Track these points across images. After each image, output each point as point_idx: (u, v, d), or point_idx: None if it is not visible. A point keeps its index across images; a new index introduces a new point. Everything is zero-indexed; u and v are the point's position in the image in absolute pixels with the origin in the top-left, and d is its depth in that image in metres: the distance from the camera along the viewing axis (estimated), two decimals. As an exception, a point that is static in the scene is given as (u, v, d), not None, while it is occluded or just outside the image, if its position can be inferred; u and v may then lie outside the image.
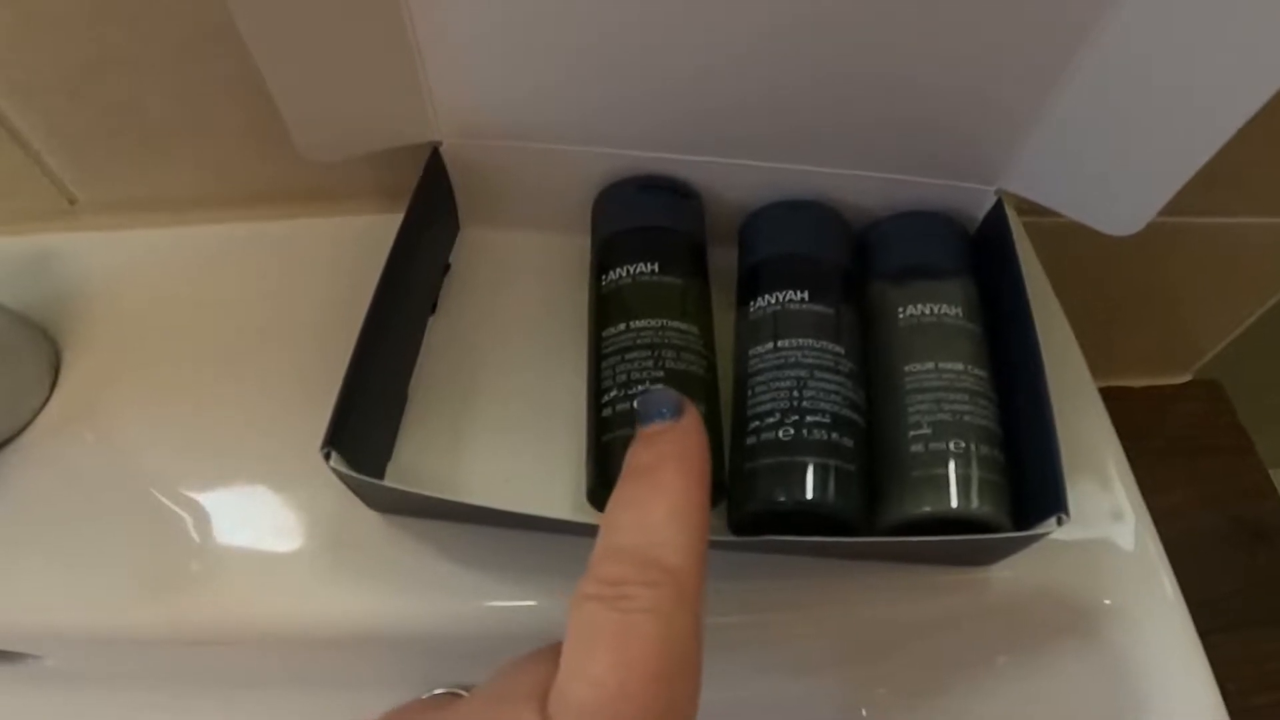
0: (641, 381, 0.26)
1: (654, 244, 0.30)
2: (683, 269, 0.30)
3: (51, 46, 0.30)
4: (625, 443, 0.26)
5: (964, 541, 0.25)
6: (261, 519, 0.30)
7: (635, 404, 0.21)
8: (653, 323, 0.28)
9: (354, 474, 0.25)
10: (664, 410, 0.20)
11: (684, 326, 0.28)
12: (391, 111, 0.30)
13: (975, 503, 0.25)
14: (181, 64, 0.31)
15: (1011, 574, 0.29)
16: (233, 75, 0.31)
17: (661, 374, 0.27)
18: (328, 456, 0.25)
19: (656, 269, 0.29)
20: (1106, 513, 0.32)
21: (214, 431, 0.32)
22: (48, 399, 0.32)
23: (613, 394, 0.27)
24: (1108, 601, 0.30)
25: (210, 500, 0.30)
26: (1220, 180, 0.41)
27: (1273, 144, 0.39)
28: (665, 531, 0.18)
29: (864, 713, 0.35)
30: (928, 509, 0.26)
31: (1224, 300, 0.51)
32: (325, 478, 0.27)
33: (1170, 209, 0.43)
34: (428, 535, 0.29)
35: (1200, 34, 0.23)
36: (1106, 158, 0.27)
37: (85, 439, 0.32)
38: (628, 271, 0.29)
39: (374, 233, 0.30)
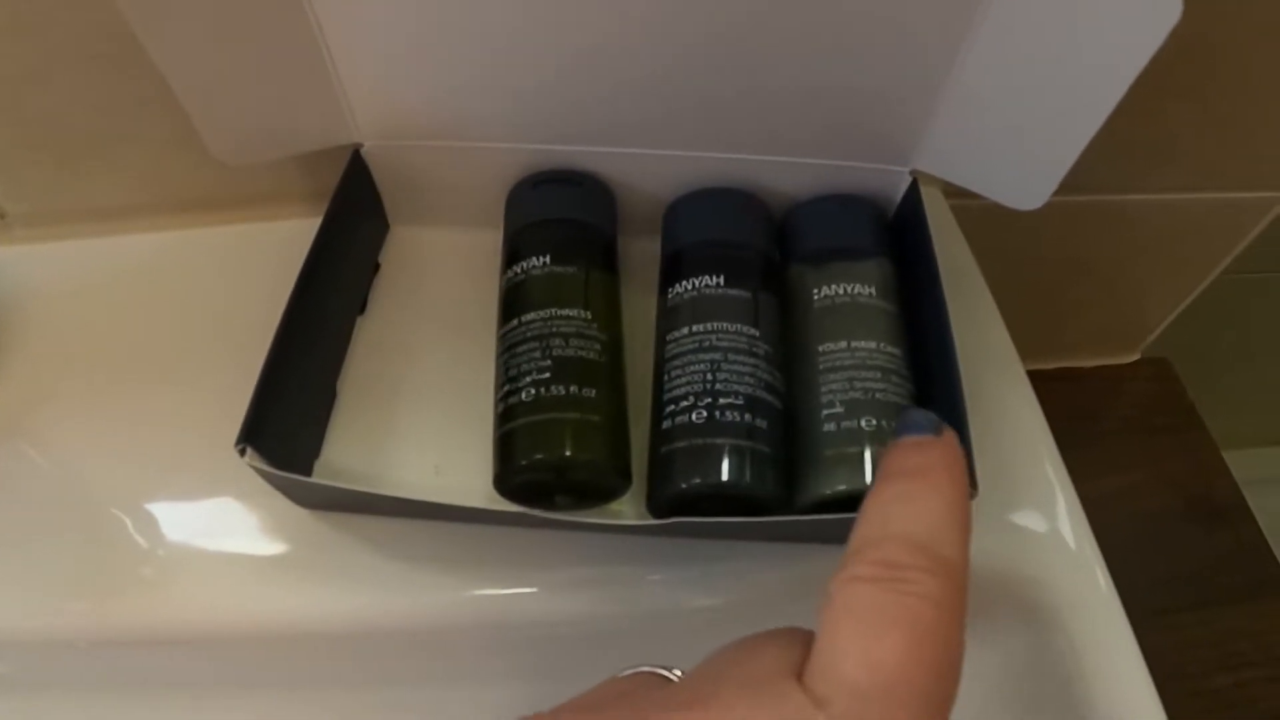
0: (530, 373, 0.27)
1: (547, 237, 0.31)
2: (578, 258, 0.30)
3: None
4: (522, 436, 0.26)
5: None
6: (198, 522, 0.30)
7: (896, 421, 0.21)
8: (541, 314, 0.28)
9: (272, 470, 0.25)
10: (923, 426, 0.20)
11: (575, 313, 0.28)
12: (307, 115, 0.31)
13: (887, 477, 0.26)
14: (99, 76, 0.31)
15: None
16: (152, 85, 0.31)
17: (549, 363, 0.27)
18: (243, 453, 0.25)
19: (548, 260, 0.29)
20: (1032, 491, 0.32)
21: (149, 438, 0.32)
22: (-26, 409, 0.32)
23: (505, 388, 0.27)
24: (1034, 576, 0.30)
25: (147, 505, 0.31)
26: (1152, 157, 0.42)
27: (1202, 122, 0.40)
28: (944, 527, 0.18)
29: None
30: (842, 487, 0.26)
31: (1165, 278, 0.52)
32: (259, 479, 0.27)
33: (1105, 187, 0.44)
34: (357, 530, 0.29)
35: (1075, 14, 0.23)
36: (1007, 135, 0.28)
37: (20, 447, 0.32)
38: (521, 268, 0.30)
39: (303, 237, 0.30)
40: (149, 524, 0.30)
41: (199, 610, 0.29)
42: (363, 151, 0.33)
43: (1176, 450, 0.59)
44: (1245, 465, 0.60)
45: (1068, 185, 0.42)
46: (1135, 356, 0.61)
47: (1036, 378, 0.61)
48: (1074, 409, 0.61)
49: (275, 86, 0.29)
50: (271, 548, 0.29)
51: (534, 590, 0.29)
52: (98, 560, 0.29)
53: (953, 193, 0.40)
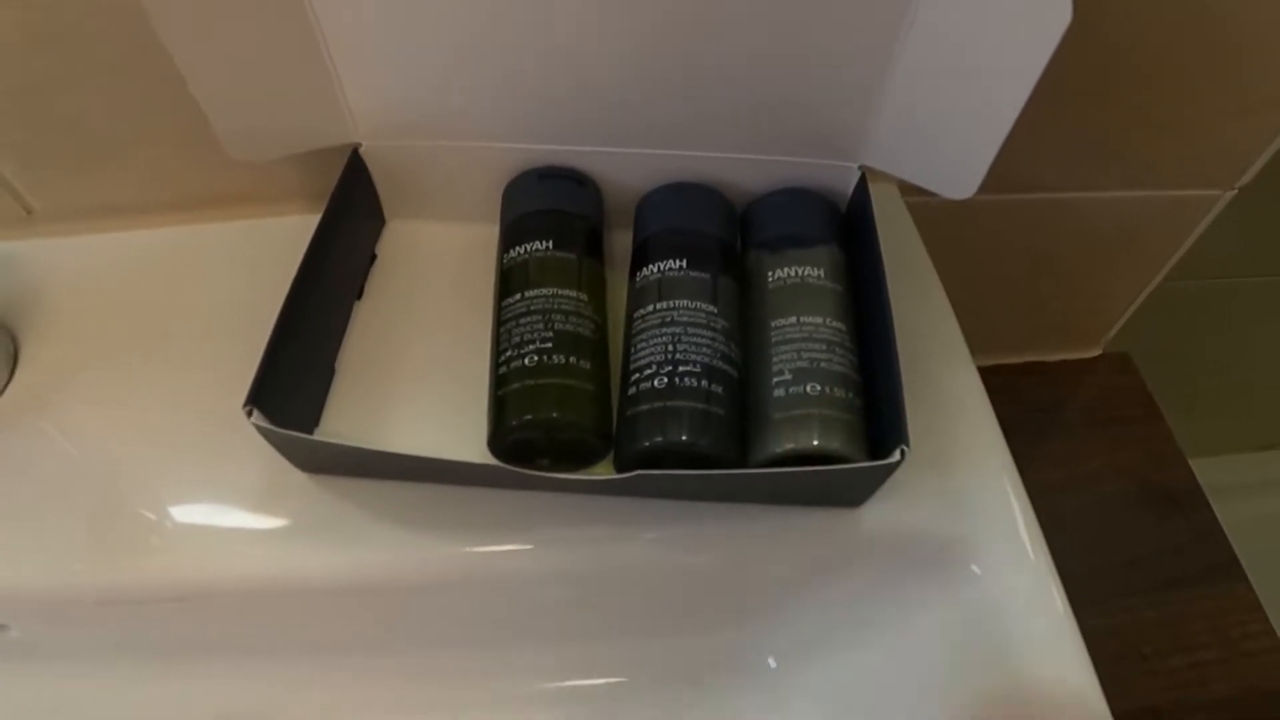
0: (533, 342, 0.30)
1: (549, 225, 0.33)
2: (576, 246, 0.33)
3: (5, 73, 0.33)
4: (517, 396, 0.29)
5: (820, 473, 0.28)
6: (204, 488, 0.33)
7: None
8: (544, 291, 0.31)
9: (275, 429, 0.28)
10: None
11: (573, 294, 0.31)
12: (310, 116, 0.34)
13: (829, 439, 0.29)
14: (116, 81, 0.34)
15: (880, 522, 0.32)
16: (165, 92, 0.34)
17: (551, 334, 0.30)
18: (250, 414, 0.28)
19: (550, 246, 0.33)
20: (973, 462, 0.34)
21: (159, 414, 0.35)
22: (4, 387, 0.35)
23: (507, 354, 0.30)
24: (971, 537, 0.33)
25: (157, 474, 0.33)
26: (1097, 158, 0.45)
27: (1141, 123, 0.43)
28: None
29: (771, 662, 0.38)
30: (790, 445, 0.29)
31: (1119, 273, 0.55)
32: (262, 450, 0.30)
33: (1055, 186, 0.47)
34: (351, 494, 0.32)
35: (984, 23, 0.26)
36: (938, 132, 0.31)
37: (41, 423, 0.35)
38: (525, 249, 0.33)
39: (303, 232, 0.33)
40: (158, 493, 0.33)
41: (203, 569, 0.32)
42: (361, 150, 0.36)
43: (1135, 440, 0.62)
44: (1210, 472, 0.62)
45: (1020, 183, 0.46)
46: (1097, 351, 0.64)
47: (1004, 371, 0.64)
48: (1038, 400, 0.63)
49: (281, 90, 0.32)
50: (271, 510, 0.32)
51: (521, 548, 0.32)
52: (110, 526, 0.32)
53: (910, 190, 0.43)
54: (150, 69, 0.33)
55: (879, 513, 0.32)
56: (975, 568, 0.32)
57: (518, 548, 0.32)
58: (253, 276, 0.38)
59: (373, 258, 0.38)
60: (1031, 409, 0.63)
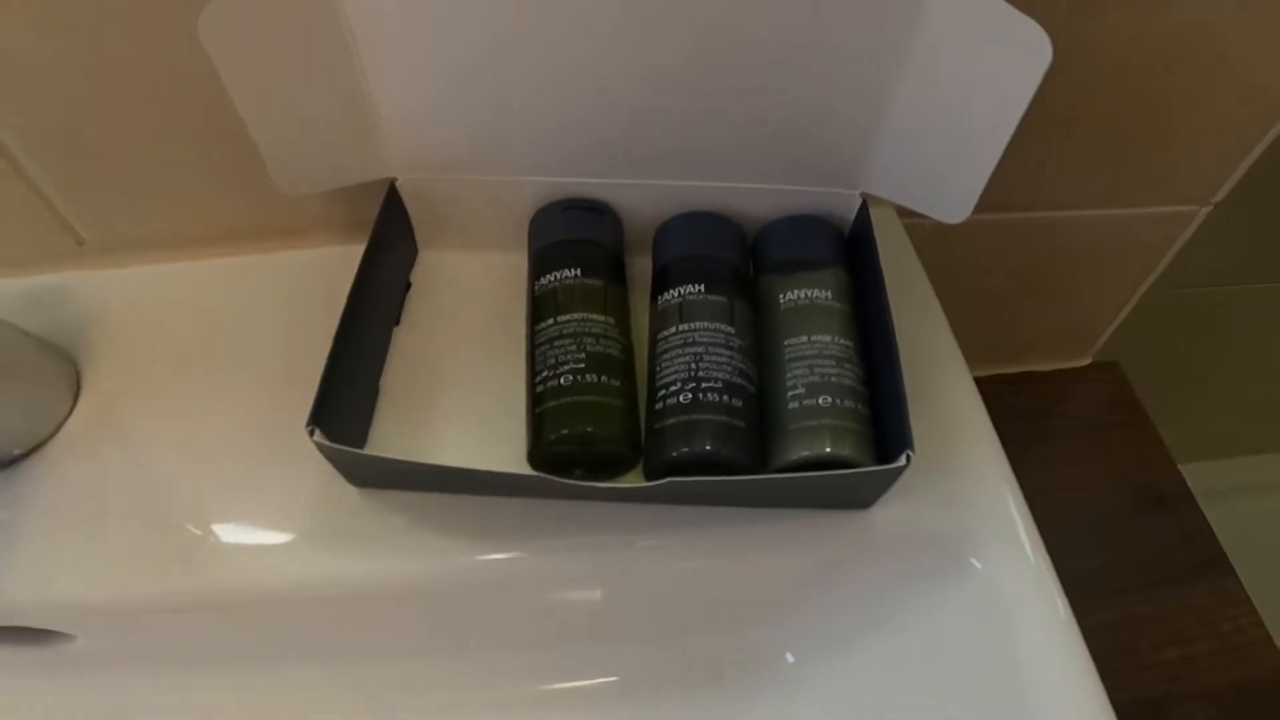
0: (567, 363, 0.32)
1: (577, 253, 0.36)
2: (601, 273, 0.36)
3: (60, 108, 0.36)
4: (555, 413, 0.32)
5: (834, 477, 0.31)
6: (260, 503, 0.35)
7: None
8: (575, 316, 0.34)
9: (335, 445, 0.30)
10: None
11: (601, 318, 0.34)
12: (352, 154, 0.36)
13: (841, 446, 0.31)
14: (168, 120, 0.37)
15: (888, 523, 0.35)
16: (212, 129, 0.37)
17: (583, 355, 0.32)
18: (312, 433, 0.30)
19: (579, 273, 0.35)
20: (971, 464, 0.37)
21: (214, 434, 0.37)
22: (70, 412, 0.37)
23: (544, 374, 0.33)
24: (971, 535, 0.35)
25: (214, 490, 0.36)
26: (1074, 178, 0.48)
27: (1115, 146, 0.46)
28: None
29: (789, 658, 0.41)
30: (804, 453, 0.31)
31: (1104, 286, 0.58)
32: (312, 466, 0.32)
33: (1036, 205, 0.50)
34: (400, 505, 0.35)
35: (975, 63, 0.29)
36: (934, 162, 0.34)
37: (105, 444, 0.37)
38: (555, 277, 0.35)
39: (339, 261, 0.36)
40: (216, 507, 0.35)
41: (260, 575, 0.34)
42: (397, 184, 0.38)
43: (1125, 444, 0.65)
44: (1198, 477, 0.65)
45: (1005, 204, 0.49)
46: (1088, 360, 0.67)
47: (1000, 380, 0.67)
48: (1033, 408, 0.66)
49: (328, 131, 0.35)
50: (325, 522, 0.35)
51: (555, 554, 0.34)
52: (171, 538, 0.34)
53: (906, 214, 0.46)
54: (200, 110, 0.36)
55: (887, 514, 0.35)
56: (976, 562, 0.35)
57: (552, 554, 0.35)
58: (292, 304, 0.41)
59: (408, 285, 0.41)
60: (1026, 416, 0.66)
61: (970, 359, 0.40)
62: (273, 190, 0.36)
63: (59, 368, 0.37)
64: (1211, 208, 0.51)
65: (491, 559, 0.34)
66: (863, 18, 0.30)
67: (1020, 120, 0.29)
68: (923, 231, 0.46)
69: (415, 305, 0.41)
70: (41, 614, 0.35)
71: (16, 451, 0.36)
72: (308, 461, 0.33)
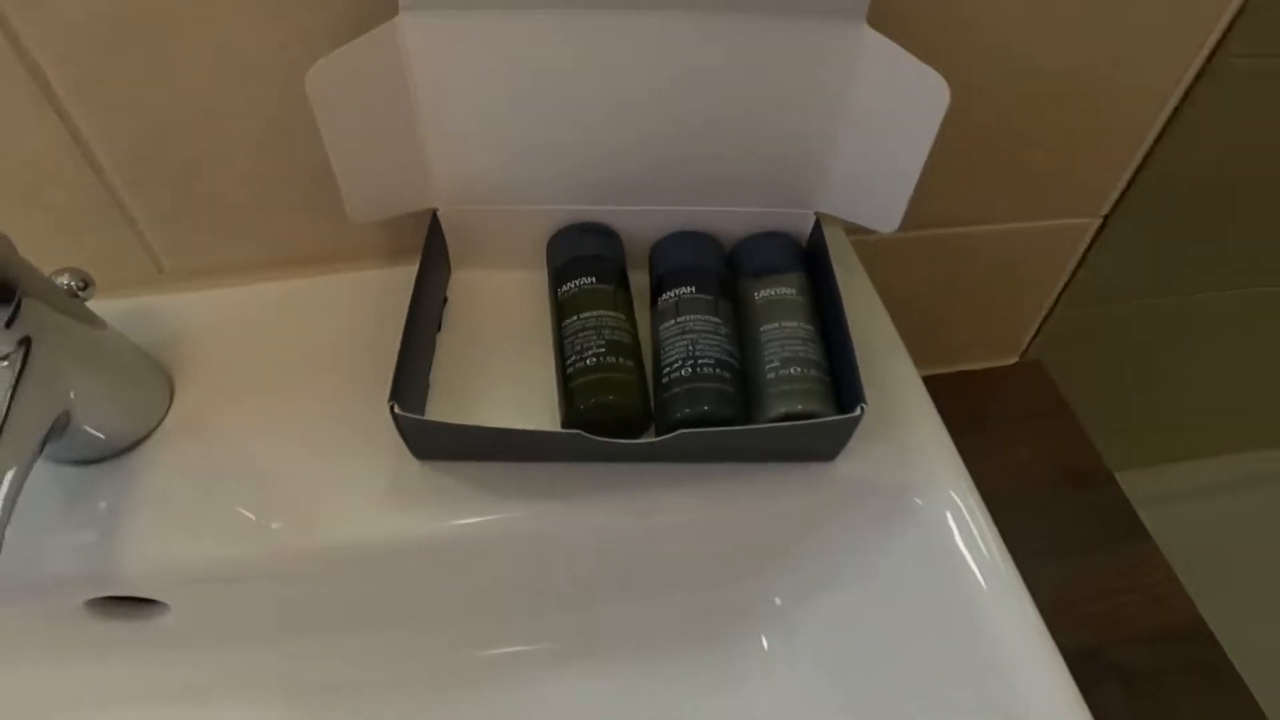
0: (591, 348, 0.41)
1: (590, 266, 0.45)
2: (611, 280, 0.44)
3: (171, 148, 0.43)
4: (585, 386, 0.40)
5: (808, 425, 0.40)
6: (335, 479, 0.42)
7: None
8: (594, 313, 0.42)
9: (413, 416, 0.38)
10: None
11: (614, 314, 0.43)
12: (408, 187, 0.45)
13: (810, 403, 0.40)
14: (255, 160, 0.45)
15: (850, 473, 0.43)
16: (284, 166, 0.45)
17: (604, 343, 0.41)
18: (392, 408, 0.38)
19: (594, 280, 0.44)
20: (910, 425, 0.45)
21: (291, 426, 0.44)
22: (167, 411, 0.45)
23: (572, 359, 0.41)
24: (913, 486, 0.44)
25: (295, 470, 0.43)
26: (988, 197, 0.57)
27: (1016, 169, 0.56)
28: None
29: (778, 601, 0.49)
30: (782, 409, 0.40)
31: (1023, 291, 0.68)
32: (381, 447, 0.40)
33: (953, 221, 0.59)
34: (459, 473, 0.42)
35: (896, 103, 0.39)
36: (870, 185, 0.43)
37: (198, 437, 0.44)
38: (575, 284, 0.44)
39: (385, 280, 0.45)
40: (297, 483, 0.42)
41: (343, 536, 0.41)
42: (439, 214, 0.47)
43: (1052, 431, 0.75)
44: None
45: (926, 222, 0.59)
46: (1015, 359, 0.77)
47: (940, 379, 0.77)
48: (970, 402, 0.76)
49: (389, 168, 0.43)
50: (396, 490, 0.42)
51: (578, 509, 0.42)
52: (259, 510, 0.41)
53: (852, 231, 0.56)
54: (281, 150, 0.44)
55: (849, 466, 0.43)
56: (919, 500, 0.43)
57: (577, 509, 0.42)
58: (346, 318, 0.49)
59: (445, 299, 0.49)
60: (962, 409, 0.75)
61: (912, 360, 0.49)
62: (334, 221, 0.45)
63: (157, 373, 0.45)
64: (1101, 220, 0.61)
65: (531, 512, 0.42)
66: (812, 78, 0.40)
67: (930, 147, 0.39)
68: (865, 248, 0.55)
69: (453, 315, 0.49)
70: (144, 583, 0.41)
71: (122, 445, 0.43)
72: (380, 444, 0.41)
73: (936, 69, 0.37)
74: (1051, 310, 0.71)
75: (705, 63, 0.40)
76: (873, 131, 0.41)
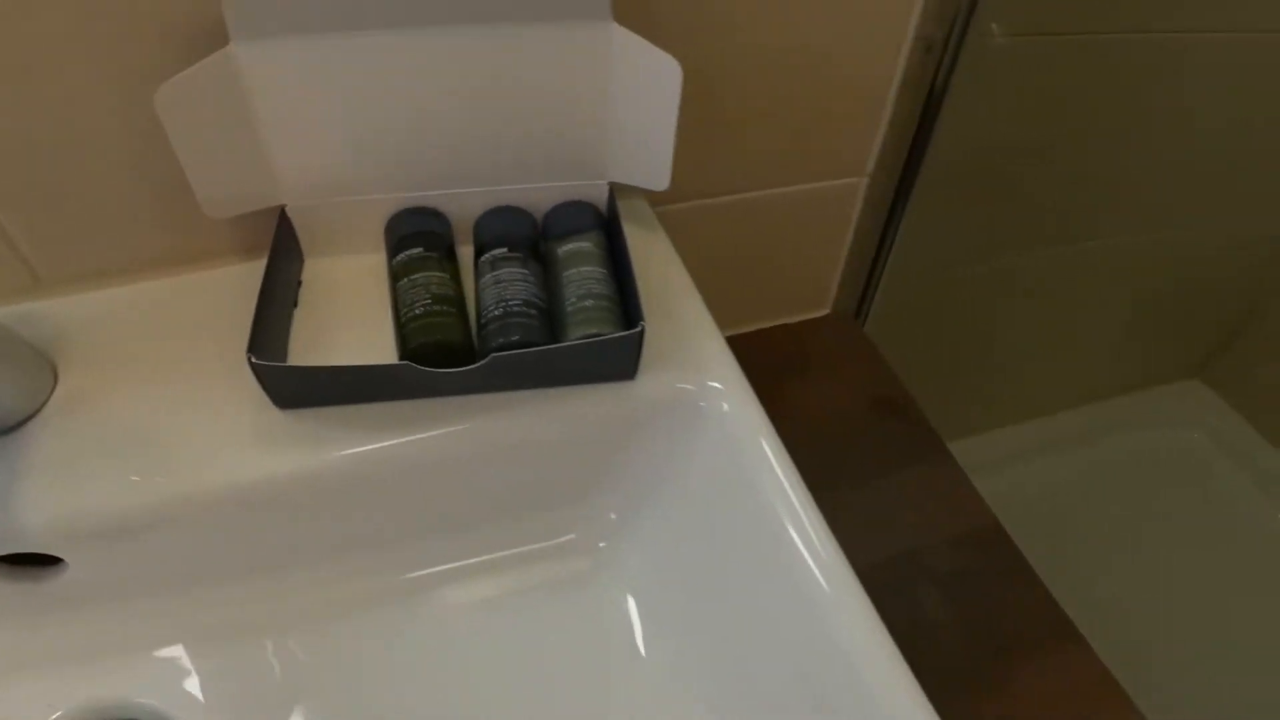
0: (421, 300, 0.49)
1: (421, 239, 0.54)
2: (438, 249, 0.53)
3: (40, 171, 0.50)
4: (415, 329, 0.48)
5: (603, 341, 0.49)
6: (208, 435, 0.49)
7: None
8: (423, 274, 0.51)
9: (268, 363, 0.46)
10: None
11: (440, 274, 0.51)
12: (256, 185, 0.52)
13: (604, 326, 0.49)
14: (119, 176, 0.52)
15: (649, 391, 0.53)
16: (153, 178, 0.52)
17: (429, 296, 0.50)
18: (250, 359, 0.45)
19: (423, 249, 0.53)
20: (698, 344, 0.55)
21: (166, 397, 0.51)
22: (51, 392, 0.51)
23: (404, 310, 0.50)
24: (706, 394, 0.54)
25: (172, 431, 0.49)
26: (764, 163, 0.68)
27: (785, 136, 0.67)
28: None
29: (613, 516, 0.58)
30: (581, 331, 0.49)
31: (816, 248, 0.80)
32: (246, 402, 0.47)
33: (737, 189, 0.70)
34: (316, 417, 0.50)
35: (648, 81, 0.49)
36: (640, 151, 0.53)
37: (83, 411, 0.50)
38: (407, 254, 0.53)
39: (245, 274, 0.52)
40: (171, 440, 0.49)
41: (219, 480, 0.48)
42: (287, 209, 0.55)
43: (862, 372, 0.86)
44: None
45: (714, 190, 0.69)
46: (828, 310, 0.89)
47: (761, 333, 0.88)
48: (789, 349, 0.87)
49: (236, 170, 0.51)
50: (261, 435, 0.49)
51: (420, 437, 0.50)
52: (141, 463, 0.48)
53: (656, 201, 0.66)
54: (141, 163, 0.51)
55: (647, 381, 0.53)
56: (703, 404, 0.53)
57: (420, 438, 0.50)
58: (212, 306, 0.56)
59: (299, 282, 0.57)
60: (781, 356, 0.86)
61: (731, 321, 0.58)
62: (195, 224, 0.52)
63: (39, 358, 0.51)
64: (868, 178, 0.73)
65: (387, 443, 0.50)
66: (578, 70, 0.50)
67: (676, 116, 0.49)
68: (674, 219, 0.66)
69: (307, 294, 0.56)
70: (39, 537, 0.47)
71: (9, 424, 0.49)
72: (246, 400, 0.49)
73: (682, 54, 0.48)
74: (848, 263, 0.83)
75: (489, 66, 0.49)
76: (632, 108, 0.51)
